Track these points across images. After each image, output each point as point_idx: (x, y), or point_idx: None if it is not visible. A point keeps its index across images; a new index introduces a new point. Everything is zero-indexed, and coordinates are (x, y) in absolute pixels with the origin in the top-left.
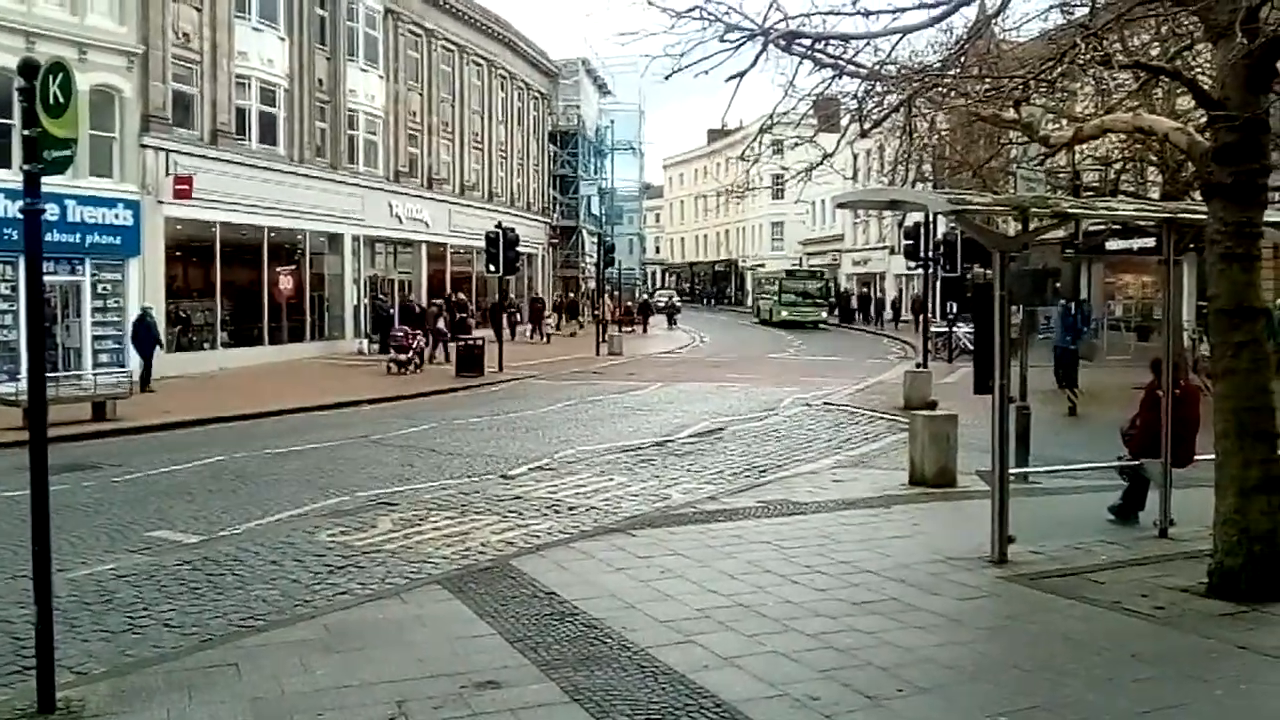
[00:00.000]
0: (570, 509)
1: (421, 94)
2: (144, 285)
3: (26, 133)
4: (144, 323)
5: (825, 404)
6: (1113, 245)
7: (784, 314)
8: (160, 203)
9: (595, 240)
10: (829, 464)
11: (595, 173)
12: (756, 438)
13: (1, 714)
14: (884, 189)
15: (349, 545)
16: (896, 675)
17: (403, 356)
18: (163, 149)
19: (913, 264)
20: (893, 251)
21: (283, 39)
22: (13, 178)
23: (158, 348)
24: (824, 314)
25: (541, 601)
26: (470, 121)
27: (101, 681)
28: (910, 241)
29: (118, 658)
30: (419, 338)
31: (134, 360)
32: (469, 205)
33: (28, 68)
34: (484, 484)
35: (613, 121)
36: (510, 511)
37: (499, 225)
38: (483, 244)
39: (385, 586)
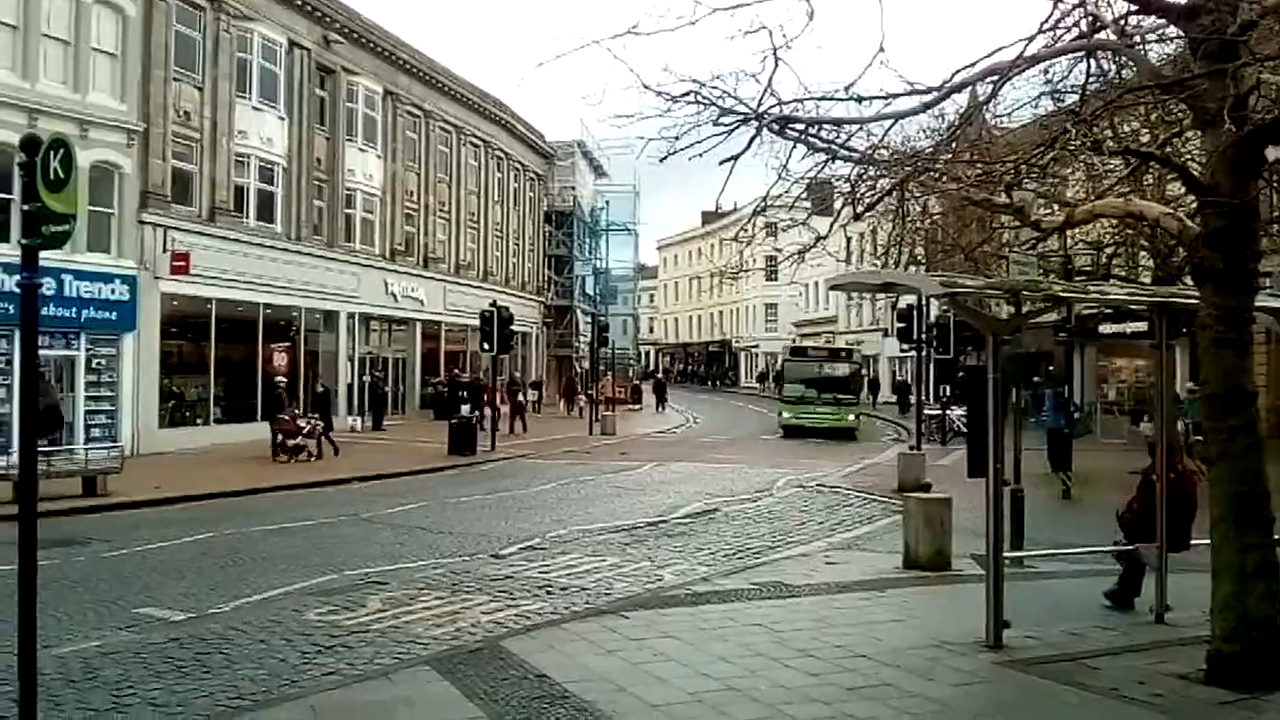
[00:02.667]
0: (562, 589)
1: (418, 173)
2: (138, 360)
3: (26, 207)
4: None
5: (819, 486)
6: (1105, 329)
7: (788, 415)
8: (157, 279)
9: (589, 320)
10: (822, 546)
11: (590, 253)
12: (750, 519)
13: None
14: (877, 271)
15: (337, 624)
16: None
17: (292, 442)
18: (161, 225)
19: (906, 346)
20: (886, 334)
21: (282, 118)
22: (11, 252)
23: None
24: (854, 415)
25: (532, 684)
26: (466, 201)
27: None
28: (903, 324)
29: None
30: (314, 422)
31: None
32: (464, 284)
33: (30, 143)
34: (475, 563)
35: (608, 202)
36: (501, 591)
37: (493, 304)
38: (477, 322)
39: (373, 667)
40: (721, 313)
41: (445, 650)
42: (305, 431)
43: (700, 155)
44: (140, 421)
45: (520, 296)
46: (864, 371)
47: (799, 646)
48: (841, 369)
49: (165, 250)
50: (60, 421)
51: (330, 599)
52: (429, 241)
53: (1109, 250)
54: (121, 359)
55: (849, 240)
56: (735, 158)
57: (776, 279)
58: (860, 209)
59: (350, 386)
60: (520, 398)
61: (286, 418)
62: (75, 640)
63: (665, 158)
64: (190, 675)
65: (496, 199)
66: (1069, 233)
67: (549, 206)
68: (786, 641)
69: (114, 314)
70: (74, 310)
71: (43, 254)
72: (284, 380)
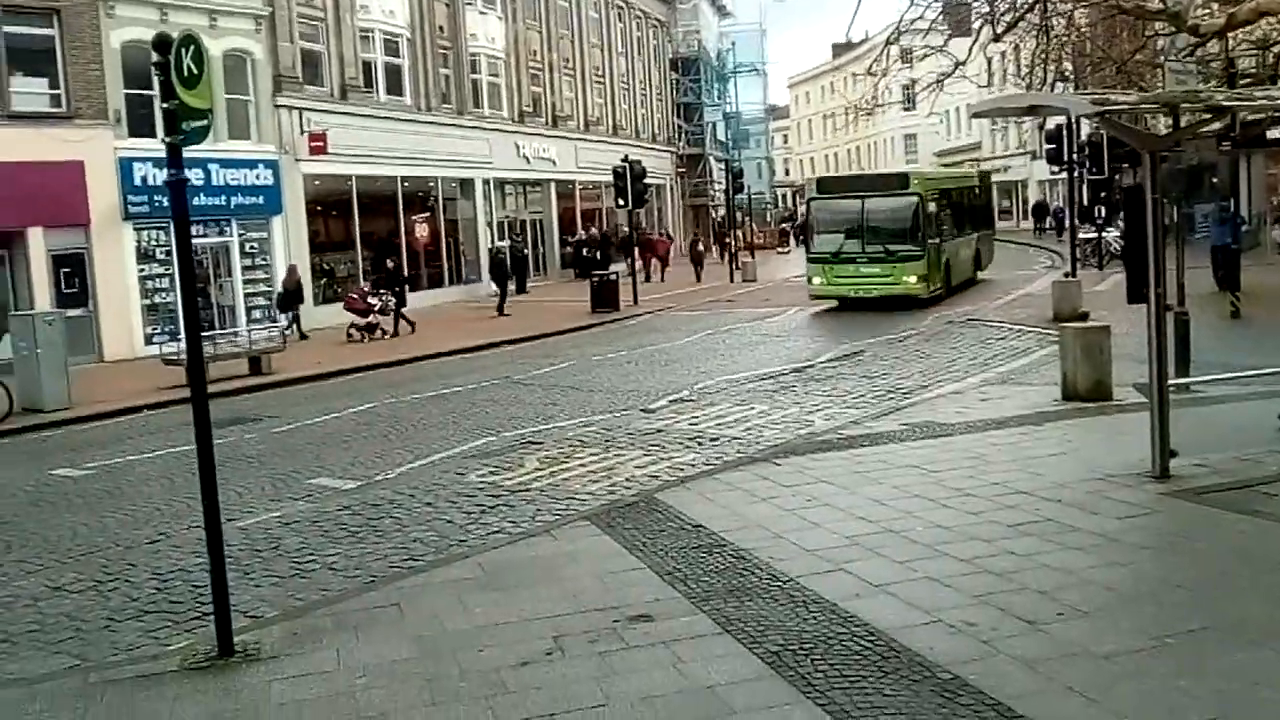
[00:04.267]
0: (712, 440)
1: (540, 32)
2: (288, 241)
3: (165, 105)
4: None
5: (969, 320)
6: (1276, 134)
7: (819, 283)
8: (297, 160)
9: (723, 166)
10: (975, 382)
11: (719, 98)
12: (898, 359)
13: (186, 658)
14: (1021, 94)
15: (498, 485)
16: (1055, 599)
17: (363, 321)
18: (296, 108)
19: (1056, 169)
20: (1034, 157)
21: None
22: (157, 147)
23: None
24: (917, 275)
25: (689, 534)
26: (590, 56)
27: (275, 625)
28: (1052, 145)
29: (288, 601)
30: (385, 298)
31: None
32: (594, 140)
33: (161, 43)
34: (626, 419)
35: (734, 43)
36: (653, 445)
37: (625, 159)
38: (610, 178)
39: (536, 524)
40: (858, 148)
41: (603, 505)
42: (377, 309)
43: None
44: None
45: (651, 149)
46: (962, 199)
47: (955, 486)
48: (896, 206)
49: (302, 132)
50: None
51: (489, 460)
52: (556, 100)
53: (1277, 49)
54: (272, 241)
55: (989, 62)
56: None
57: (914, 109)
58: (1000, 29)
59: (491, 251)
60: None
61: (355, 296)
62: (256, 513)
63: None
64: (364, 540)
65: (620, 51)
66: (1230, 35)
67: (674, 53)
68: (942, 481)
69: (260, 198)
70: (223, 198)
71: (188, 147)
72: (391, 261)
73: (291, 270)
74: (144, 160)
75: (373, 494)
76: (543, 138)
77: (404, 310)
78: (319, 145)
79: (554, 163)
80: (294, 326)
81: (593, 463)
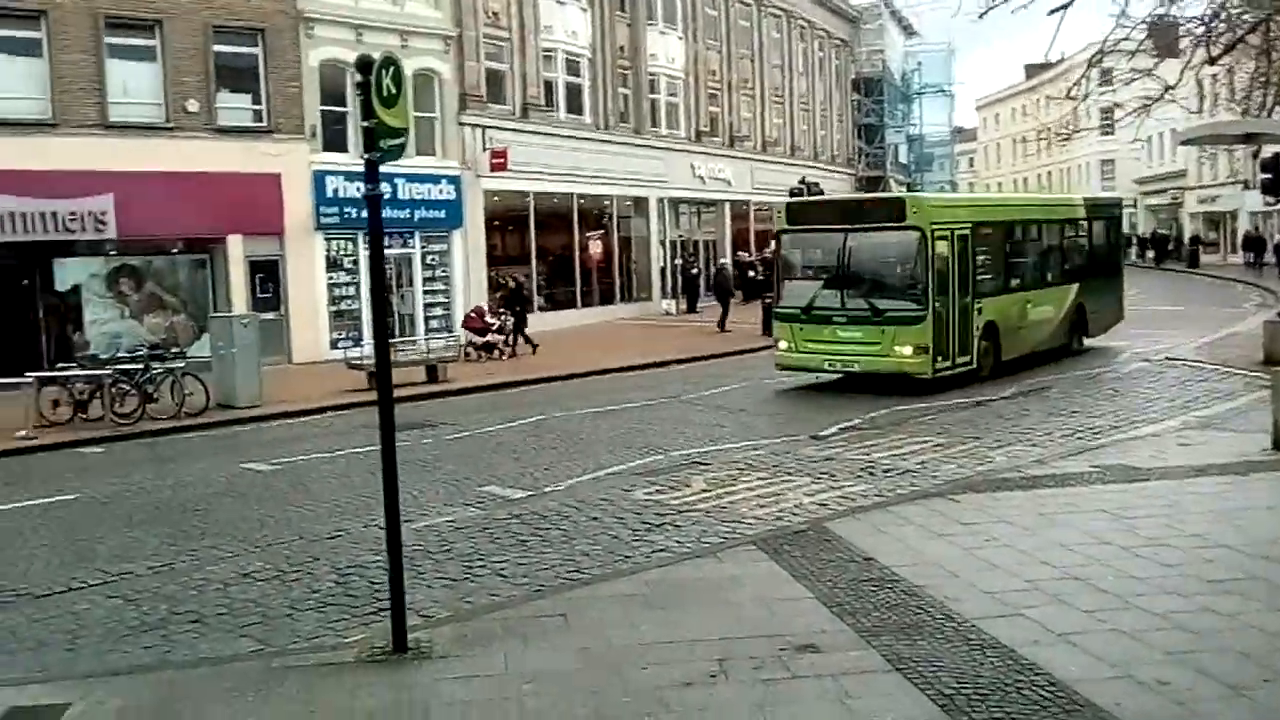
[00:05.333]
0: (885, 471)
1: (720, 52)
2: (467, 254)
3: (365, 124)
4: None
5: (1167, 359)
6: None
7: (785, 348)
8: (478, 176)
9: (905, 190)
10: (1174, 425)
11: (902, 119)
12: (1088, 396)
13: (363, 651)
14: (1238, 121)
15: (664, 503)
16: (1264, 664)
17: (481, 340)
18: (479, 125)
19: (1272, 199)
20: (1246, 186)
21: (584, 9)
22: (349, 161)
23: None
24: (915, 343)
25: (858, 566)
26: (770, 76)
27: (446, 625)
28: (1269, 175)
29: (458, 603)
30: (503, 318)
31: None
32: (771, 161)
33: (364, 64)
34: (795, 445)
35: (919, 64)
36: (822, 473)
37: (802, 180)
38: (785, 200)
39: (701, 545)
40: (1050, 173)
41: (770, 530)
42: (495, 328)
43: (1025, 7)
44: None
45: (830, 170)
46: (1040, 236)
47: (1149, 535)
48: (887, 244)
49: (484, 149)
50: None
51: (656, 479)
52: (734, 120)
53: None
54: (452, 254)
55: (1200, 85)
56: (1066, 5)
57: (1113, 133)
58: (1216, 51)
59: (663, 270)
60: None
61: (474, 315)
62: (429, 516)
63: (985, 13)
64: (532, 549)
65: (801, 71)
66: None
67: (856, 74)
68: (1134, 529)
69: (443, 212)
70: (408, 211)
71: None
72: (520, 279)
73: (514, 279)
74: (335, 173)
75: (541, 504)
76: (719, 158)
77: (525, 330)
78: (500, 162)
79: (729, 183)
80: (519, 335)
81: (760, 487)
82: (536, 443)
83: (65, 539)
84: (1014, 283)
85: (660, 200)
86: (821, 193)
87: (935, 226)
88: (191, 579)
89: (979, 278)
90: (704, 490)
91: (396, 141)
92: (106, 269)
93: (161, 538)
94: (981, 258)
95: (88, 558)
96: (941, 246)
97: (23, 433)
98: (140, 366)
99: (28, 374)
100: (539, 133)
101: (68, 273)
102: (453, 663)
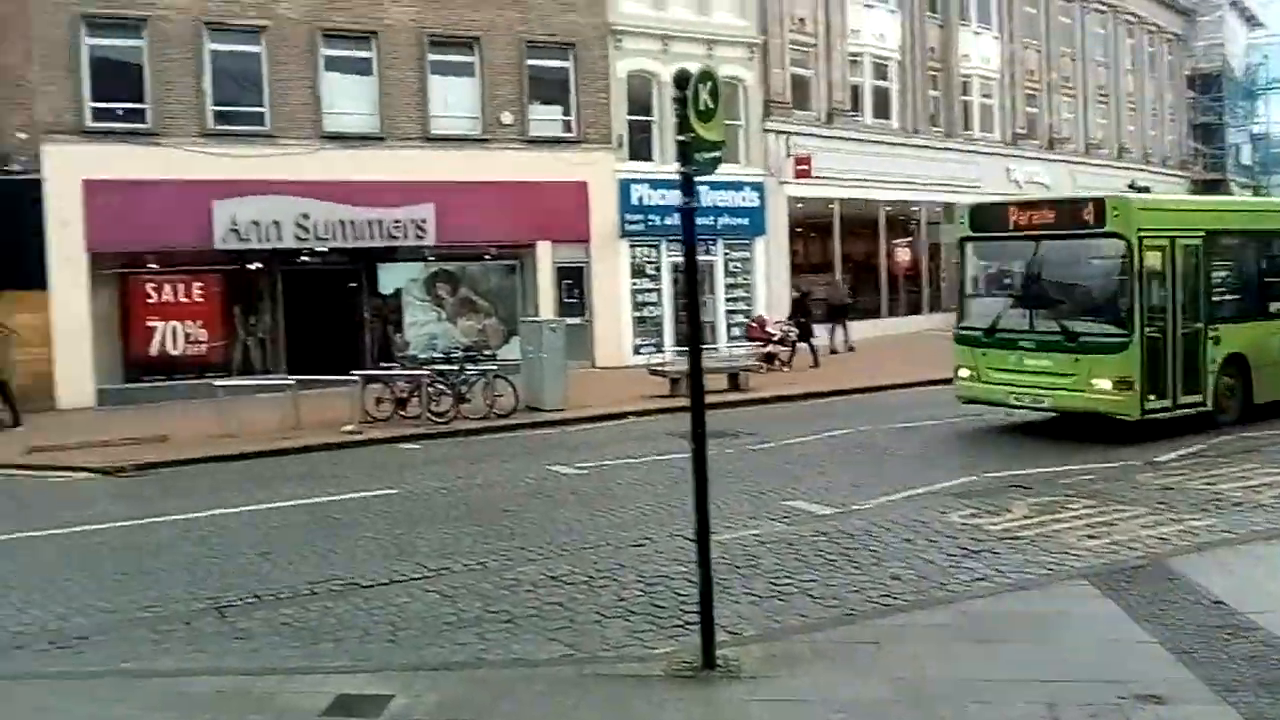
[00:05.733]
0: (1235, 505)
1: (1039, 51)
2: (769, 262)
3: (680, 138)
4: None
5: None
6: None
7: (965, 376)
8: (782, 183)
9: (1250, 194)
10: None
11: (1245, 118)
12: None
13: (670, 664)
14: None
15: (982, 529)
16: None
17: (763, 350)
18: (783, 132)
19: None
20: None
21: (893, 12)
22: (653, 169)
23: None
24: (1112, 380)
25: (1207, 610)
26: (1093, 74)
27: (753, 644)
28: None
29: (765, 622)
30: (785, 329)
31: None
32: (1095, 164)
33: (682, 79)
34: (1127, 470)
35: (1265, 57)
36: (1160, 503)
37: (1131, 184)
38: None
39: (1024, 577)
40: None
41: (1102, 565)
42: (776, 339)
43: None
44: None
45: (1161, 173)
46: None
47: None
48: (1083, 254)
49: (788, 155)
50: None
51: (971, 501)
52: (1053, 122)
53: None
54: (754, 261)
55: None
56: None
57: None
58: None
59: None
60: None
61: (755, 324)
62: (734, 528)
63: None
64: (840, 569)
65: (1128, 68)
66: None
67: (1191, 70)
68: None
69: (745, 220)
70: (712, 219)
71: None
72: (797, 291)
73: (800, 289)
74: (640, 181)
75: (849, 523)
76: (1036, 161)
77: (813, 340)
78: (804, 169)
79: (1047, 187)
80: (842, 339)
81: (1088, 515)
82: (842, 456)
83: (387, 532)
84: (1274, 307)
85: None
86: (1149, 192)
87: (1146, 234)
88: (503, 578)
89: (1216, 298)
90: (1026, 516)
91: (712, 155)
92: (425, 274)
93: (474, 536)
94: (1222, 274)
95: (408, 552)
96: (1154, 258)
97: (349, 427)
98: (455, 368)
99: (354, 372)
100: (844, 138)
101: (390, 277)
102: (761, 684)
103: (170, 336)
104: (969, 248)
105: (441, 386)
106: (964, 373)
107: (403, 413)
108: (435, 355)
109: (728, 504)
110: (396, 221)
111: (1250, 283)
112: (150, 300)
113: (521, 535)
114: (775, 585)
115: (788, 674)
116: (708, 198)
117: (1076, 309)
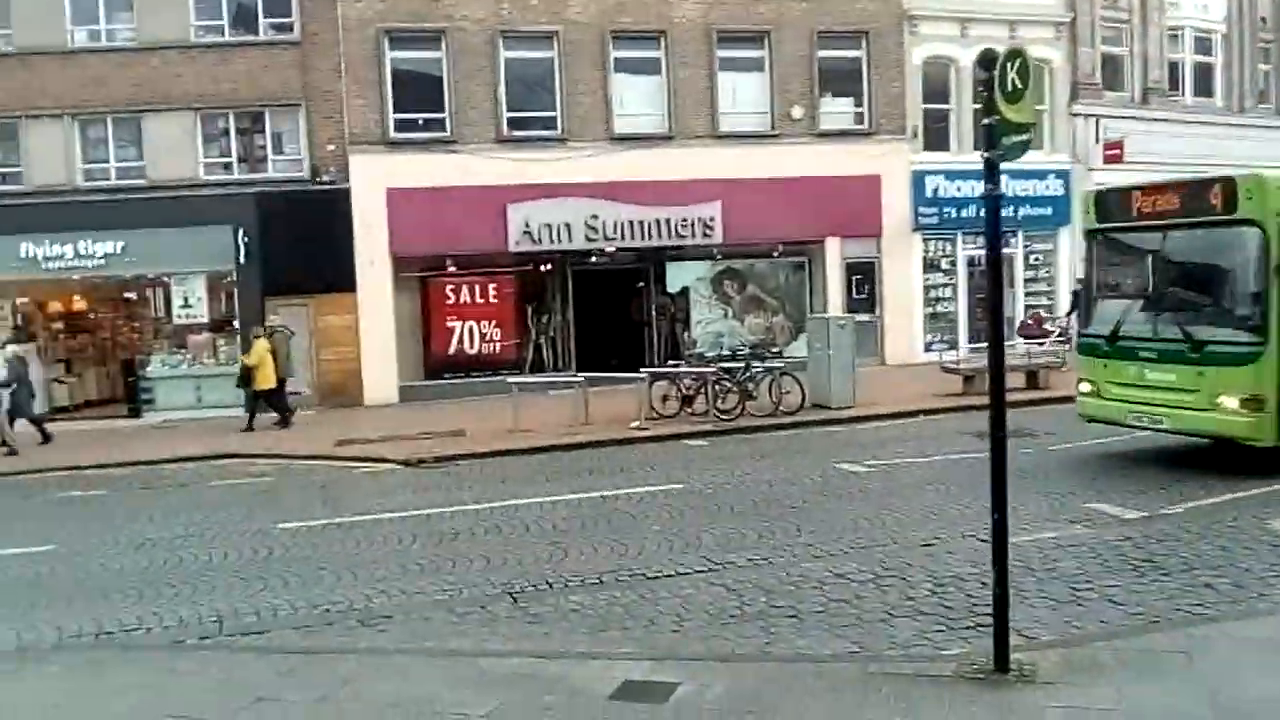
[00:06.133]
0: None
1: None
2: (1074, 255)
3: (986, 121)
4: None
5: None
6: None
7: (1086, 391)
8: (1089, 170)
9: None
10: None
11: None
12: None
13: (961, 666)
14: None
15: None
16: None
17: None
18: (1092, 115)
19: None
20: None
21: None
22: (949, 160)
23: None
24: (1239, 397)
25: None
26: None
27: (1050, 649)
28: None
29: (1063, 627)
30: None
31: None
32: None
33: (987, 58)
34: None
35: None
36: None
37: None
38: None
39: None
40: None
41: None
42: (1055, 336)
43: None
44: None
45: None
46: None
47: None
48: (1209, 246)
49: (1097, 140)
50: None
51: None
52: None
53: None
54: (1057, 254)
55: None
56: None
57: None
58: None
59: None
60: None
61: (1031, 322)
62: (1030, 530)
63: None
64: (1146, 576)
65: None
66: None
67: None
68: None
69: (1049, 209)
70: (1011, 209)
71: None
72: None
73: (1080, 281)
74: (935, 173)
75: (1157, 527)
76: None
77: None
78: (1115, 154)
79: None
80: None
81: None
82: (1148, 458)
83: (674, 525)
84: None
85: None
86: None
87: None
88: (789, 574)
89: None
90: None
91: (1020, 138)
92: (713, 271)
93: (759, 531)
94: None
95: (693, 545)
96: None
97: (636, 423)
98: (742, 365)
99: (641, 370)
100: (1161, 119)
101: (678, 275)
102: (1059, 690)
103: (467, 336)
104: (1095, 241)
105: (728, 384)
106: (1085, 386)
107: (689, 410)
108: (722, 353)
109: (1024, 505)
110: (684, 220)
111: None
112: (449, 301)
113: (808, 532)
114: (1074, 590)
115: (1088, 682)
116: (1008, 187)
117: (1204, 312)
